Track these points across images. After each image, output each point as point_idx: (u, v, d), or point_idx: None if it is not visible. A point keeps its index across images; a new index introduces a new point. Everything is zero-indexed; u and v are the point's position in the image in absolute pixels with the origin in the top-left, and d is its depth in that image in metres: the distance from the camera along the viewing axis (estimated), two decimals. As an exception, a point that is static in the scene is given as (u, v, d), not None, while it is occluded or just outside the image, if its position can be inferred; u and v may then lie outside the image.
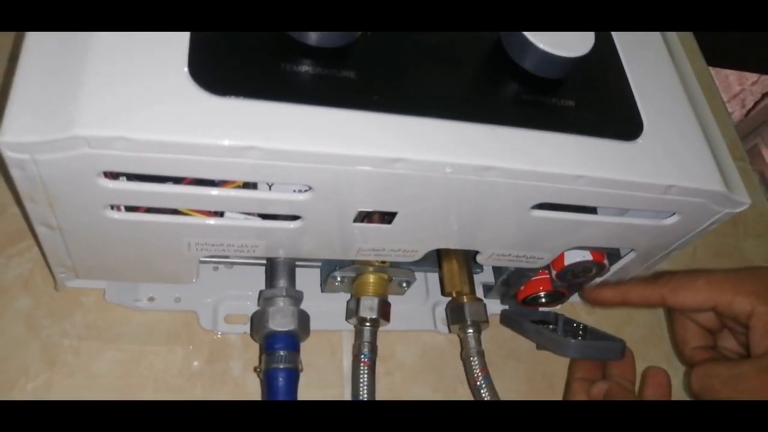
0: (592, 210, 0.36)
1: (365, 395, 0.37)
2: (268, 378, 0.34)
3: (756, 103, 2.23)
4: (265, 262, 0.40)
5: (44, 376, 0.37)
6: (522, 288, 0.44)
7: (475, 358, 0.39)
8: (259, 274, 0.41)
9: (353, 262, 0.39)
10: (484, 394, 0.39)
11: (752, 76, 2.22)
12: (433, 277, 0.46)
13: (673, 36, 0.41)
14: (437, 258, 0.42)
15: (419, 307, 0.45)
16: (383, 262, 0.39)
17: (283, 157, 0.26)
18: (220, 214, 0.31)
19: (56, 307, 0.39)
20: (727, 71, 2.19)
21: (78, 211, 0.27)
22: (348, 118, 0.27)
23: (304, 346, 0.37)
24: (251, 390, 0.40)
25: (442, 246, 0.35)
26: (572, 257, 0.40)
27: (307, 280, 0.40)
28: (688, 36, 0.72)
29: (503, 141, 0.29)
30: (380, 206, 0.30)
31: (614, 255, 0.41)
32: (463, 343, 0.41)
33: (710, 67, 0.74)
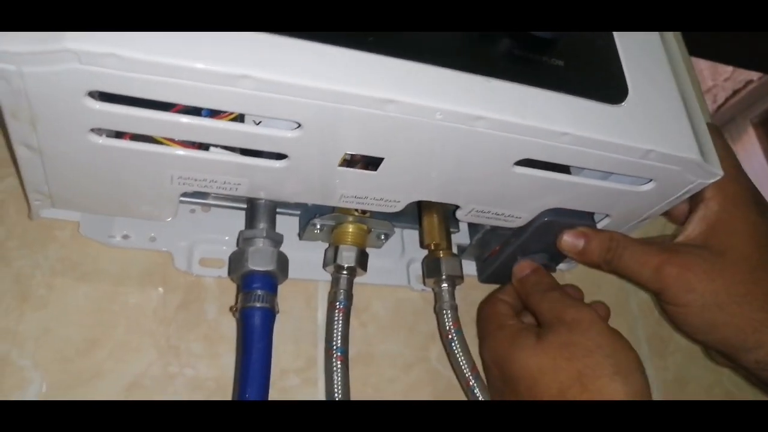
0: (567, 172, 0.37)
1: (339, 342, 0.37)
2: (243, 316, 0.34)
3: (726, 100, 2.28)
4: (243, 206, 0.40)
5: (15, 306, 0.36)
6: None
7: (449, 312, 0.40)
8: (236, 220, 0.41)
9: (333, 210, 0.39)
10: (455, 347, 0.39)
11: (725, 72, 2.27)
12: (410, 234, 0.47)
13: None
14: (418, 211, 0.43)
15: (395, 263, 0.46)
16: (363, 213, 0.39)
17: (276, 89, 0.25)
18: (205, 149, 0.31)
19: (29, 239, 0.38)
20: (702, 65, 2.22)
21: (61, 133, 0.27)
22: (344, 57, 0.27)
23: (279, 294, 0.37)
24: (225, 332, 0.40)
25: (424, 198, 0.36)
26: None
27: (286, 227, 0.40)
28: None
29: (494, 93, 0.30)
30: (367, 150, 0.30)
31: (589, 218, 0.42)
32: (437, 296, 0.41)
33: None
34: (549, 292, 0.39)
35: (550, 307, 0.38)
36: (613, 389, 0.34)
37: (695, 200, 0.39)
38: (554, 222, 0.39)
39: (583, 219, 0.40)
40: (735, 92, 2.22)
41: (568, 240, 0.40)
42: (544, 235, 0.41)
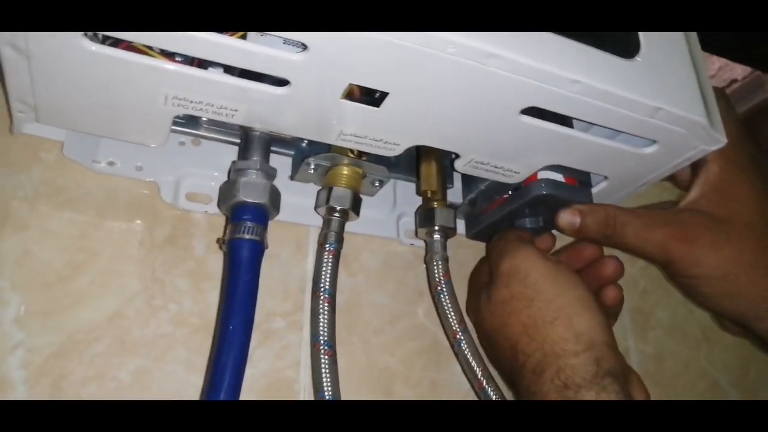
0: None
1: (327, 284, 0.36)
2: (231, 248, 0.33)
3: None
4: (235, 141, 0.38)
5: (-7, 225, 0.35)
6: (487, 208, 0.44)
7: (440, 263, 0.40)
8: (227, 156, 0.40)
9: (329, 150, 0.38)
10: (443, 298, 0.39)
11: (711, 70, 2.26)
12: (403, 187, 0.46)
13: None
14: (416, 158, 0.42)
15: (385, 215, 0.45)
16: (360, 155, 0.38)
17: (284, 3, 0.24)
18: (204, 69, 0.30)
19: (14, 158, 0.37)
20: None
21: (52, 36, 0.25)
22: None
23: (269, 236, 0.36)
24: (212, 270, 0.39)
25: (425, 143, 0.35)
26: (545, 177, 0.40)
27: (278, 170, 0.39)
28: None
29: (510, 33, 0.29)
30: (374, 81, 0.29)
31: (585, 183, 0.41)
32: (429, 247, 0.41)
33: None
34: (497, 243, 0.40)
35: (493, 260, 0.39)
36: (555, 335, 0.34)
37: (697, 164, 0.38)
38: (549, 196, 0.39)
39: (579, 194, 0.40)
40: (732, 82, 2.22)
41: (565, 218, 0.38)
42: (537, 206, 0.40)
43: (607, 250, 0.42)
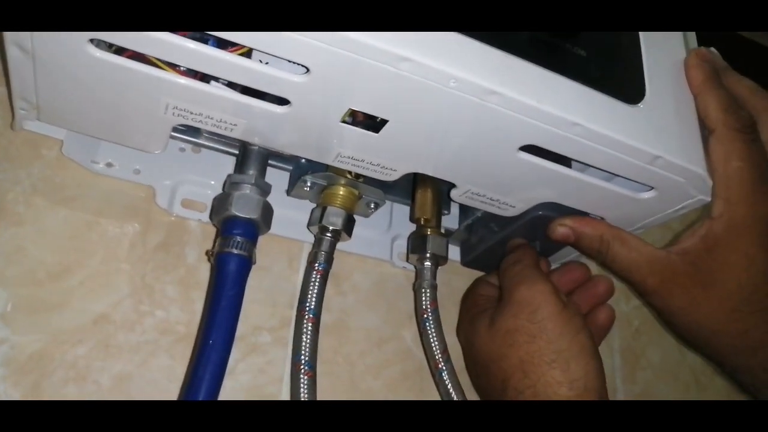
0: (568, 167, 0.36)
1: (312, 304, 0.36)
2: (219, 262, 0.33)
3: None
4: (235, 152, 0.39)
5: (-12, 218, 0.35)
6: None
7: (428, 290, 0.39)
8: (226, 165, 0.40)
9: (327, 169, 0.38)
10: (428, 327, 0.39)
11: None
12: (399, 209, 0.46)
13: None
14: (413, 184, 0.42)
15: (380, 236, 0.45)
16: (357, 177, 0.38)
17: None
18: (206, 83, 0.30)
19: (14, 153, 0.37)
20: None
21: (58, 38, 0.26)
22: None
23: (261, 249, 0.36)
24: (202, 279, 0.39)
25: (422, 170, 0.35)
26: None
27: (275, 184, 0.39)
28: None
29: (512, 70, 0.29)
30: (373, 108, 0.29)
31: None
32: (419, 273, 0.41)
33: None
34: (513, 266, 0.39)
35: (507, 284, 0.38)
36: (550, 377, 0.34)
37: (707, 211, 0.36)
38: (547, 216, 0.38)
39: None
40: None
41: (561, 230, 0.38)
42: (534, 229, 0.40)
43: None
